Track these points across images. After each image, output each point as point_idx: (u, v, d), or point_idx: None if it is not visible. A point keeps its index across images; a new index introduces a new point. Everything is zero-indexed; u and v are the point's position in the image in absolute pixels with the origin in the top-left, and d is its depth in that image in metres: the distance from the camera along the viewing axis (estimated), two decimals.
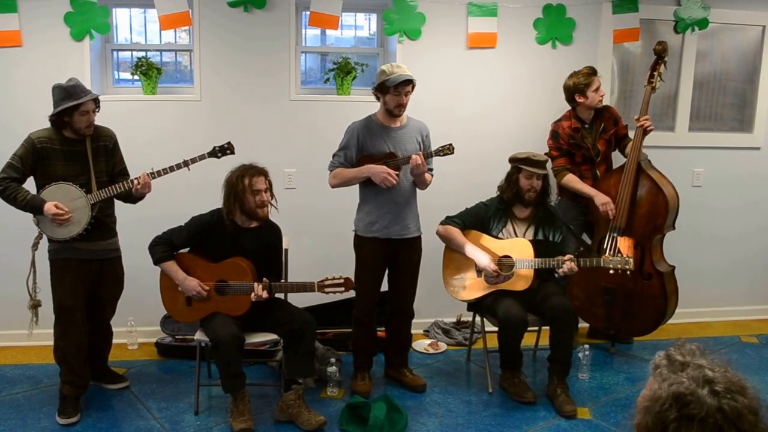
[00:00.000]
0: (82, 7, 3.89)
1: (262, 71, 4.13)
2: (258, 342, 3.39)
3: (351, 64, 4.26)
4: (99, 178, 3.25)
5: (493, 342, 3.61)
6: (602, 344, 4.25)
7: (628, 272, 3.51)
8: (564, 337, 3.43)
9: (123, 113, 3.92)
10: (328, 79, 4.34)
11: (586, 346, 3.86)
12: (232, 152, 3.44)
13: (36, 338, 3.81)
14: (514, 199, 3.59)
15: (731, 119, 4.78)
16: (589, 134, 4.02)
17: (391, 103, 3.38)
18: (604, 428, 3.25)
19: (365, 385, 3.58)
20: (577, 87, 3.95)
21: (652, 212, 3.91)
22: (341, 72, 4.25)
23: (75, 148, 3.20)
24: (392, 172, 3.32)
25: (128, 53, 4.35)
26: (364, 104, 3.72)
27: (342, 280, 3.18)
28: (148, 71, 4.07)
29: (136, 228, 3.60)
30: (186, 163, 3.31)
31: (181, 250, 3.34)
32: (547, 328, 3.51)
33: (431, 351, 4.19)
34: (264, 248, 3.35)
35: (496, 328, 3.51)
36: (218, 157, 3.42)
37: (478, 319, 3.84)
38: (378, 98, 3.44)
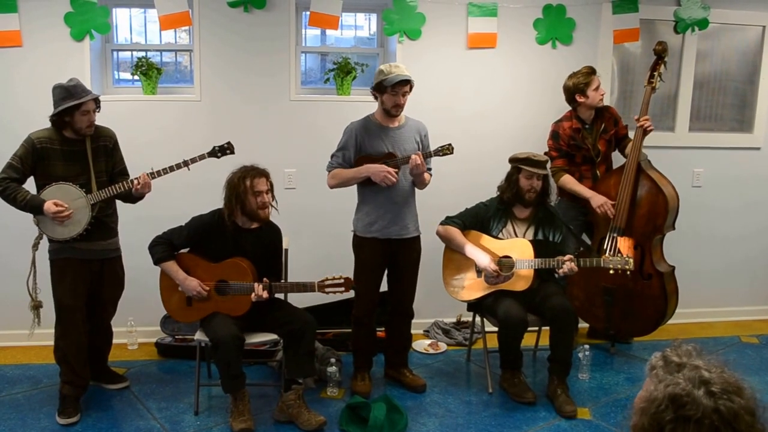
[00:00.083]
0: (82, 7, 3.89)
1: (262, 71, 4.14)
2: (258, 342, 3.39)
3: (351, 65, 4.26)
4: (99, 178, 3.25)
5: (493, 342, 3.61)
6: (602, 344, 4.24)
7: (628, 272, 3.51)
8: (564, 337, 3.43)
9: (123, 113, 3.93)
10: (328, 80, 4.34)
11: (586, 346, 3.86)
12: (232, 152, 3.44)
13: (36, 338, 3.81)
14: (514, 200, 3.59)
15: (731, 119, 4.78)
16: (590, 134, 4.02)
17: (388, 102, 3.38)
18: (604, 428, 3.25)
19: (365, 386, 3.58)
20: (577, 87, 3.95)
21: (652, 212, 3.91)
22: (341, 72, 4.25)
23: (75, 148, 3.20)
24: (392, 170, 3.32)
25: (128, 53, 4.35)
26: (364, 104, 3.72)
27: (342, 280, 3.18)
28: (148, 71, 4.07)
29: (136, 228, 3.60)
30: (186, 163, 3.31)
31: (181, 251, 3.34)
32: (547, 328, 3.51)
33: (431, 351, 4.19)
34: (264, 249, 3.35)
35: (496, 329, 3.51)
36: (218, 157, 3.42)
37: (478, 319, 3.84)
38: (376, 98, 3.44)
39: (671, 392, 1.20)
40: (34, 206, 3.11)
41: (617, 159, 4.15)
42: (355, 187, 3.52)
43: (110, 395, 3.51)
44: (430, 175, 3.56)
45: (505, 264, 3.52)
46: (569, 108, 4.08)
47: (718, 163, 4.67)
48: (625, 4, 4.30)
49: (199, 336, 3.30)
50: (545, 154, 3.95)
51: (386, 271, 3.61)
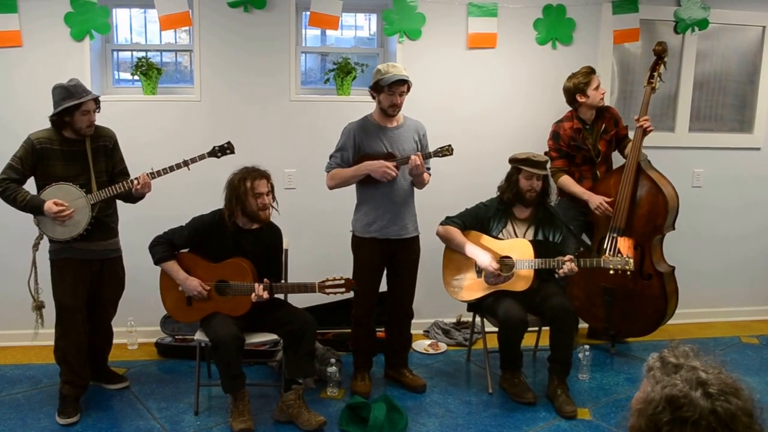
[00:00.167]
0: (82, 7, 3.89)
1: (262, 71, 4.14)
2: (258, 342, 3.39)
3: (351, 65, 4.26)
4: (99, 178, 3.25)
5: (493, 342, 3.61)
6: (602, 345, 4.24)
7: (628, 273, 3.51)
8: (564, 337, 3.43)
9: (123, 113, 3.93)
10: (328, 80, 4.34)
11: (587, 346, 3.86)
12: (232, 152, 3.44)
13: (36, 338, 3.82)
14: (514, 200, 3.59)
15: (731, 120, 4.78)
16: (590, 135, 4.02)
17: (384, 102, 3.38)
18: (604, 429, 3.25)
19: (365, 386, 3.58)
20: (577, 87, 3.95)
21: (652, 212, 3.91)
22: (341, 72, 4.25)
23: (74, 148, 3.20)
24: (391, 164, 3.32)
25: (128, 53, 4.35)
26: (364, 104, 3.72)
27: (343, 281, 3.18)
28: (148, 71, 4.07)
29: (136, 228, 3.61)
30: (186, 163, 3.31)
31: (182, 250, 3.34)
32: (547, 328, 3.51)
33: (431, 351, 4.19)
34: (265, 249, 3.36)
35: (496, 329, 3.51)
36: (218, 157, 3.42)
37: (478, 319, 3.84)
38: (373, 97, 3.44)
39: (668, 393, 1.20)
40: (34, 206, 3.12)
41: (617, 159, 4.15)
42: (354, 187, 3.52)
43: (110, 395, 3.51)
44: (429, 175, 3.56)
45: (505, 264, 3.52)
46: (569, 108, 4.08)
47: (718, 163, 4.67)
48: (625, 4, 4.30)
49: (199, 336, 3.30)
50: (545, 154, 3.95)
51: (386, 272, 3.61)
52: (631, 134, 4.07)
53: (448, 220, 3.67)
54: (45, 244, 3.30)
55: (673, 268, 4.05)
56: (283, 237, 3.48)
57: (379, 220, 3.45)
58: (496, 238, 3.60)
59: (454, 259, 3.66)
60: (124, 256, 3.49)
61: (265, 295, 3.16)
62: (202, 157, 3.36)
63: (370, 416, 3.11)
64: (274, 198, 3.34)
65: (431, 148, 3.50)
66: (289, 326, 3.23)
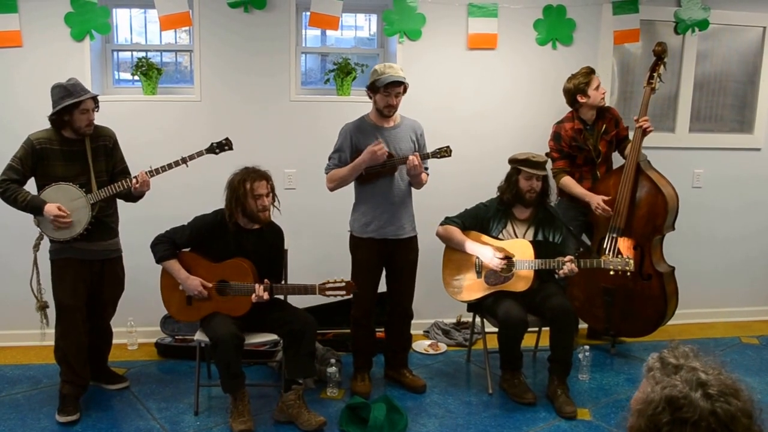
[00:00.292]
0: (82, 7, 3.89)
1: (263, 72, 4.14)
2: (258, 342, 3.39)
3: (351, 65, 4.26)
4: (99, 177, 3.25)
5: (493, 343, 3.61)
6: (602, 345, 4.24)
7: (628, 273, 3.51)
8: (564, 337, 3.43)
9: (123, 114, 3.93)
10: (328, 80, 4.34)
11: (587, 347, 3.86)
12: (230, 148, 3.44)
13: (36, 338, 3.83)
14: (514, 200, 3.59)
15: (731, 120, 4.78)
16: (591, 135, 4.02)
17: (380, 103, 3.38)
18: (604, 429, 3.25)
19: (365, 386, 3.58)
20: (578, 88, 3.95)
21: (652, 213, 3.91)
22: (341, 73, 4.25)
23: (74, 148, 3.20)
24: (379, 144, 3.30)
25: (128, 53, 4.35)
26: (364, 105, 3.72)
27: (344, 284, 3.18)
28: (148, 71, 4.08)
29: (136, 228, 3.61)
30: (184, 160, 3.31)
31: (183, 250, 3.34)
32: (547, 328, 3.51)
33: (431, 352, 4.19)
34: (266, 249, 3.36)
35: (496, 329, 3.51)
36: (216, 153, 3.42)
37: (478, 319, 3.83)
38: (370, 97, 3.44)
39: (668, 394, 1.20)
40: (34, 207, 3.12)
41: (617, 160, 4.15)
42: (353, 186, 3.52)
43: (110, 395, 3.51)
44: (428, 175, 3.56)
45: (505, 264, 3.52)
46: (570, 109, 4.08)
47: (718, 163, 4.66)
48: (626, 4, 4.30)
49: (199, 336, 3.30)
50: (546, 155, 3.95)
51: (385, 272, 3.61)
52: (631, 134, 4.07)
53: (448, 220, 3.67)
54: (45, 244, 3.30)
55: (673, 268, 4.05)
56: (284, 238, 3.48)
57: (377, 220, 3.45)
58: (496, 238, 3.60)
59: (454, 259, 3.66)
60: (124, 256, 3.49)
61: (265, 295, 3.16)
62: (200, 154, 3.35)
63: (370, 416, 3.11)
64: (275, 198, 3.34)
65: (430, 149, 3.49)
66: (289, 326, 3.23)
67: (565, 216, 3.93)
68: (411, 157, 3.31)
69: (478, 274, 3.60)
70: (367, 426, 3.10)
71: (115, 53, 4.30)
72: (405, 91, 3.40)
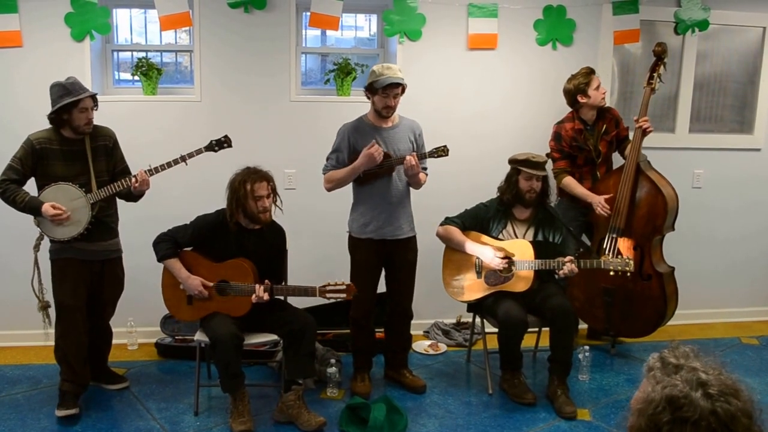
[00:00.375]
0: (82, 7, 3.89)
1: (263, 72, 4.14)
2: (258, 342, 3.39)
3: (351, 65, 4.26)
4: (99, 177, 3.25)
5: (493, 343, 3.61)
6: (602, 346, 4.24)
7: (628, 274, 3.51)
8: (564, 338, 3.43)
9: (123, 114, 3.93)
10: (328, 80, 4.34)
11: (586, 347, 3.86)
12: (229, 145, 3.44)
13: (36, 338, 3.83)
14: (514, 201, 3.59)
15: (731, 120, 4.78)
16: (591, 136, 4.02)
17: (379, 104, 3.38)
18: (604, 430, 3.24)
19: (365, 386, 3.58)
20: (578, 88, 3.95)
21: (651, 213, 3.91)
22: (341, 73, 4.25)
23: (74, 147, 3.20)
24: (375, 147, 3.30)
25: (128, 54, 4.35)
26: (364, 105, 3.72)
27: (344, 286, 3.16)
28: (148, 72, 4.08)
29: (135, 228, 3.61)
30: (183, 159, 3.30)
31: (185, 249, 3.34)
32: (548, 329, 3.51)
33: (431, 352, 4.19)
34: (267, 249, 3.36)
35: (496, 329, 3.51)
36: (215, 151, 3.41)
37: (478, 320, 3.83)
38: (368, 98, 3.44)
39: (668, 394, 1.20)
40: (32, 207, 3.12)
41: (617, 160, 4.15)
42: (352, 187, 3.52)
43: (110, 396, 3.51)
44: (426, 175, 3.56)
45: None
46: (570, 109, 4.08)
47: (718, 164, 4.66)
48: (626, 5, 4.30)
49: (198, 336, 3.30)
50: (547, 155, 3.95)
51: (384, 272, 3.60)
52: (631, 135, 4.07)
53: (448, 221, 3.67)
54: (45, 244, 3.30)
55: (673, 268, 4.05)
56: (286, 238, 3.48)
57: (375, 221, 3.45)
58: (496, 238, 3.60)
59: (454, 259, 3.66)
60: (124, 256, 3.49)
61: (265, 296, 3.15)
62: (199, 152, 3.35)
63: (369, 417, 3.11)
64: (277, 198, 3.33)
65: (429, 149, 3.49)
66: (289, 327, 3.23)
67: (565, 216, 3.93)
68: (408, 158, 3.31)
69: (478, 274, 3.60)
70: (367, 426, 3.10)
71: (115, 53, 4.30)
72: (403, 91, 3.40)
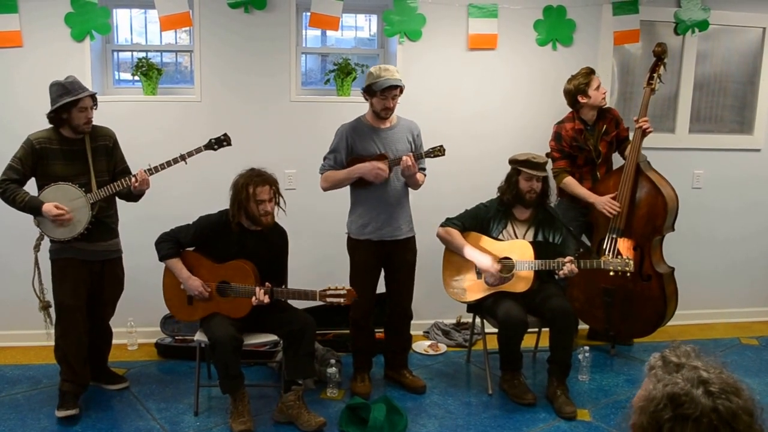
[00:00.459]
0: (82, 7, 3.89)
1: (263, 72, 4.14)
2: (258, 343, 3.39)
3: (351, 65, 4.26)
4: (99, 177, 3.25)
5: (493, 343, 3.61)
6: (602, 346, 4.24)
7: (628, 274, 3.51)
8: (564, 338, 3.43)
9: (123, 114, 3.93)
10: (328, 80, 4.34)
11: (586, 347, 3.86)
12: (229, 144, 3.43)
13: (36, 338, 3.83)
14: (515, 201, 3.59)
15: (731, 121, 4.78)
16: (591, 136, 4.02)
17: (377, 106, 3.38)
18: (604, 430, 3.24)
19: (365, 387, 3.58)
20: (578, 88, 3.95)
21: (651, 213, 3.91)
22: (341, 73, 4.25)
23: (74, 147, 3.20)
24: (382, 164, 3.31)
25: (129, 54, 4.35)
26: (364, 105, 3.72)
27: (344, 291, 3.16)
28: (148, 72, 4.08)
29: (135, 228, 3.61)
30: (183, 157, 3.30)
31: (187, 249, 3.34)
32: (547, 329, 3.51)
33: (431, 352, 4.19)
34: (269, 251, 3.35)
35: (496, 330, 3.51)
36: (215, 149, 3.41)
37: (478, 320, 3.83)
38: (366, 99, 3.44)
39: (670, 391, 1.20)
40: (33, 207, 3.12)
41: (617, 160, 4.15)
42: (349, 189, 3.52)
43: (110, 396, 3.51)
44: (424, 175, 3.55)
45: (504, 265, 3.52)
46: (570, 110, 4.08)
47: (718, 164, 4.67)
48: (626, 5, 4.31)
49: (198, 336, 3.30)
50: (547, 155, 3.95)
51: (384, 273, 3.60)
52: (631, 135, 4.07)
53: (448, 222, 3.67)
54: (45, 244, 3.30)
55: (673, 269, 4.05)
56: (288, 240, 3.48)
57: (374, 222, 3.45)
58: (496, 239, 3.60)
59: (454, 260, 3.66)
60: (124, 256, 3.49)
61: (266, 299, 3.15)
62: (198, 151, 3.35)
63: (369, 417, 3.11)
64: (280, 199, 3.32)
65: (424, 149, 3.49)
66: (289, 327, 3.23)
67: (565, 216, 3.93)
68: (404, 158, 3.31)
69: (478, 275, 3.60)
70: (367, 426, 3.10)
71: (115, 53, 4.30)
72: (401, 92, 3.40)
